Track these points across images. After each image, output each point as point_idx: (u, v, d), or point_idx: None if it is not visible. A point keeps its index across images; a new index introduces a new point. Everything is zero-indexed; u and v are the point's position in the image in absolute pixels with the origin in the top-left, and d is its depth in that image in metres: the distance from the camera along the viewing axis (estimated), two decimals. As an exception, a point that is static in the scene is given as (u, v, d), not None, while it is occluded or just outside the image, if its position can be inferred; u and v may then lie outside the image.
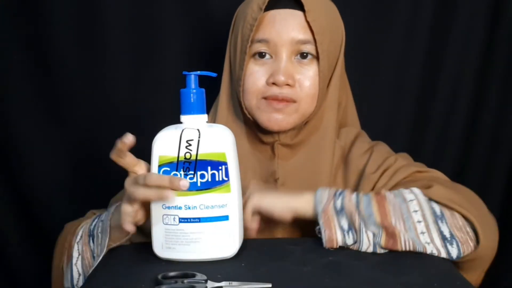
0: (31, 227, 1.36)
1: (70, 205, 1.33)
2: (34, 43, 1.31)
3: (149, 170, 0.83)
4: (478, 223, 0.86)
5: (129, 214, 0.82)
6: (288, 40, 0.95)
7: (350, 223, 0.86)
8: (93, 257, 0.91)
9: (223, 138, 0.83)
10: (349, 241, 0.86)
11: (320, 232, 0.87)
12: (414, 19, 1.31)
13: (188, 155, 0.80)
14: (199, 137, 0.81)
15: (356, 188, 0.98)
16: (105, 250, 0.85)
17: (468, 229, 0.86)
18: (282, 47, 0.95)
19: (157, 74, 1.33)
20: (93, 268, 0.83)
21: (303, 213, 0.90)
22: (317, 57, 0.96)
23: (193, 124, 0.82)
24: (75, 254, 0.93)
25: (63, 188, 1.36)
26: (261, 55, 0.97)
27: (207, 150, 0.81)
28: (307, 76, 0.96)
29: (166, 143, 0.81)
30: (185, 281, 0.74)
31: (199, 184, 0.81)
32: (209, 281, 0.74)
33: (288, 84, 0.95)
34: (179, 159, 0.81)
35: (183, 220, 0.82)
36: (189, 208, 0.81)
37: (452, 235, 0.85)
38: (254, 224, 0.90)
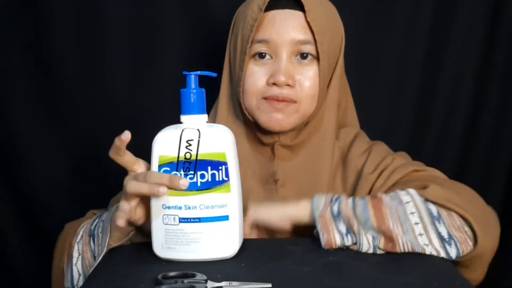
0: (31, 227, 1.36)
1: (70, 205, 1.33)
2: (34, 43, 1.31)
3: (148, 169, 0.83)
4: (476, 222, 0.85)
5: (124, 211, 0.82)
6: (288, 41, 0.95)
7: (348, 227, 0.86)
8: (94, 257, 0.91)
9: (223, 138, 0.83)
10: (348, 243, 0.86)
11: (318, 235, 0.87)
12: (414, 19, 1.31)
13: (188, 155, 0.80)
14: (199, 137, 0.81)
15: (354, 189, 0.99)
16: (105, 250, 0.85)
17: (466, 228, 0.86)
18: (282, 48, 0.95)
19: (157, 74, 1.33)
20: (93, 268, 0.83)
21: (300, 220, 0.91)
22: (317, 58, 0.96)
23: (193, 124, 0.82)
24: (75, 254, 0.93)
25: (63, 188, 1.36)
26: (261, 55, 0.97)
27: (207, 150, 0.81)
28: (307, 77, 0.96)
29: (166, 143, 0.81)
30: (185, 281, 0.74)
31: (199, 184, 0.81)
32: (209, 281, 0.74)
33: (288, 85, 0.95)
34: (179, 159, 0.81)
35: (183, 220, 0.82)
36: (189, 208, 0.81)
37: (450, 236, 0.85)
38: (253, 237, 0.91)
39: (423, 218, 0.85)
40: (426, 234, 0.85)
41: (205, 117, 0.84)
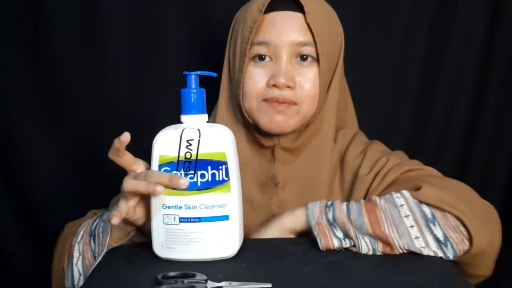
0: (31, 227, 1.36)
1: (70, 205, 1.33)
2: (34, 43, 1.31)
3: (148, 169, 0.83)
4: (470, 221, 0.85)
5: (120, 209, 0.82)
6: (288, 42, 0.95)
7: (344, 232, 0.86)
8: (94, 257, 0.91)
9: (223, 138, 0.83)
10: (346, 245, 0.86)
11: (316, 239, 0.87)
12: (414, 19, 1.31)
13: (188, 155, 0.80)
14: (199, 137, 0.81)
15: (351, 191, 0.98)
16: (105, 250, 0.85)
17: (462, 228, 0.85)
18: (282, 49, 0.95)
19: (157, 74, 1.33)
20: (93, 268, 0.83)
21: (299, 229, 0.92)
22: (317, 59, 0.96)
23: (194, 124, 0.82)
24: (75, 254, 0.93)
25: (63, 188, 1.36)
26: (261, 57, 0.96)
27: (207, 150, 0.81)
28: (308, 78, 0.96)
29: (167, 143, 0.81)
30: (185, 281, 0.74)
31: (199, 184, 0.81)
32: (209, 281, 0.74)
33: (288, 86, 0.94)
34: (180, 158, 0.81)
35: (183, 220, 0.82)
36: (189, 208, 0.81)
37: (446, 237, 0.84)
38: None
39: (418, 221, 0.85)
40: (422, 236, 0.85)
41: (205, 117, 0.84)
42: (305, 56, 0.96)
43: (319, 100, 0.97)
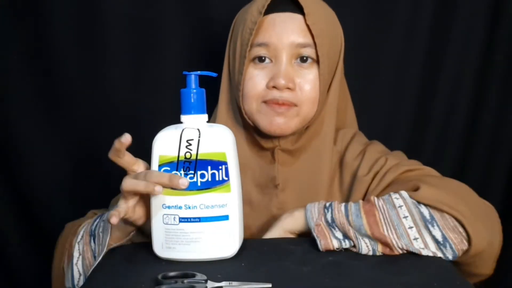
0: (31, 227, 1.36)
1: (70, 205, 1.33)
2: (34, 43, 1.31)
3: (147, 169, 0.83)
4: (468, 222, 0.85)
5: (119, 209, 0.82)
6: (288, 44, 0.95)
7: (344, 233, 0.86)
8: (94, 257, 0.91)
9: (223, 138, 0.83)
10: (346, 246, 0.86)
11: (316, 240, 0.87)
12: (414, 19, 1.31)
13: (188, 155, 0.81)
14: (199, 137, 0.81)
15: (350, 191, 0.98)
16: (105, 250, 0.85)
17: (461, 229, 0.85)
18: (282, 51, 0.95)
19: (157, 74, 1.33)
20: (93, 268, 0.83)
21: (298, 231, 0.92)
22: (317, 61, 0.96)
23: (193, 124, 0.82)
24: (75, 254, 0.93)
25: (63, 188, 1.36)
26: (261, 59, 0.96)
27: (207, 149, 0.81)
28: (308, 80, 0.96)
29: (166, 143, 0.81)
30: (185, 281, 0.74)
31: (199, 184, 0.81)
32: (209, 281, 0.74)
33: (288, 88, 0.94)
34: (179, 158, 0.81)
35: (183, 219, 0.82)
36: (189, 207, 0.81)
37: (445, 238, 0.84)
38: None
39: (417, 222, 0.85)
40: (421, 238, 0.85)
41: (205, 117, 0.84)
42: (305, 58, 0.96)
43: (319, 101, 0.97)
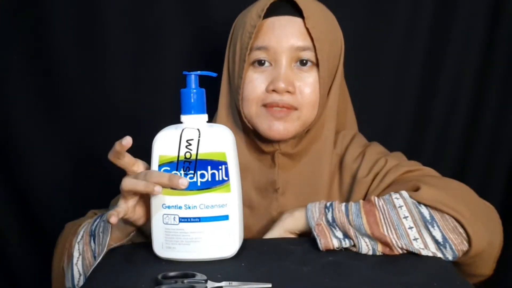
0: (31, 227, 1.36)
1: (70, 205, 1.33)
2: (34, 43, 1.31)
3: (147, 169, 0.83)
4: (468, 223, 0.85)
5: (118, 209, 0.82)
6: (287, 47, 0.94)
7: (344, 233, 0.86)
8: (94, 257, 0.91)
9: (223, 138, 0.83)
10: (346, 245, 0.86)
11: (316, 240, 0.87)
12: (414, 19, 1.31)
13: (188, 155, 0.80)
14: (199, 137, 0.81)
15: (350, 193, 0.98)
16: (105, 250, 0.85)
17: (461, 229, 0.85)
18: (281, 54, 0.95)
19: (157, 74, 1.33)
20: (93, 268, 0.83)
21: (299, 231, 0.92)
22: (316, 64, 0.96)
23: (193, 123, 0.82)
24: (75, 254, 0.93)
25: (63, 188, 1.36)
26: (260, 63, 0.96)
27: (207, 149, 0.81)
28: (307, 83, 0.95)
29: (166, 143, 0.81)
30: (185, 281, 0.74)
31: (199, 184, 0.81)
32: (209, 281, 0.74)
33: (288, 91, 0.94)
34: (179, 158, 0.81)
35: (183, 219, 0.82)
36: (189, 207, 0.81)
37: (445, 239, 0.84)
38: None
39: (417, 222, 0.85)
40: (421, 238, 0.85)
41: (205, 117, 0.84)
42: (304, 61, 0.95)
43: (319, 105, 0.97)
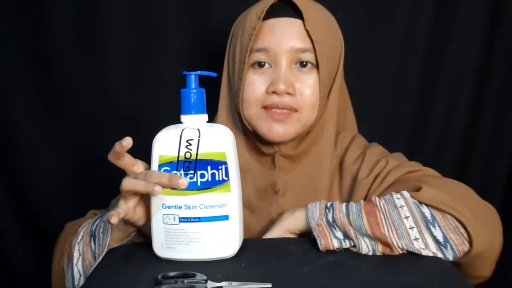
0: (31, 227, 1.36)
1: (70, 205, 1.33)
2: (34, 43, 1.31)
3: (147, 169, 0.83)
4: (469, 223, 0.85)
5: (119, 209, 0.81)
6: (287, 49, 0.94)
7: (344, 233, 0.86)
8: (94, 257, 0.91)
9: (223, 138, 0.83)
10: (347, 246, 0.86)
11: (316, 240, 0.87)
12: (414, 19, 1.31)
13: (188, 155, 0.80)
14: (199, 137, 0.81)
15: (350, 195, 0.98)
16: (105, 251, 0.85)
17: (462, 230, 0.85)
18: (281, 56, 0.94)
19: (157, 74, 1.33)
20: (93, 268, 0.83)
21: (299, 230, 0.92)
22: (316, 66, 0.95)
23: (193, 123, 0.82)
24: (75, 254, 0.93)
25: (63, 188, 1.36)
26: (260, 64, 0.96)
27: (207, 149, 0.81)
28: (307, 85, 0.95)
29: (166, 143, 0.81)
30: (185, 281, 0.74)
31: (199, 184, 0.81)
32: (209, 281, 0.74)
33: (288, 93, 0.94)
34: (179, 158, 0.81)
35: (183, 219, 0.82)
36: (189, 207, 0.81)
37: (446, 239, 0.84)
38: None
39: (418, 222, 0.85)
40: (422, 238, 0.85)
41: (205, 117, 0.84)
42: (304, 63, 0.95)
43: (320, 107, 0.97)
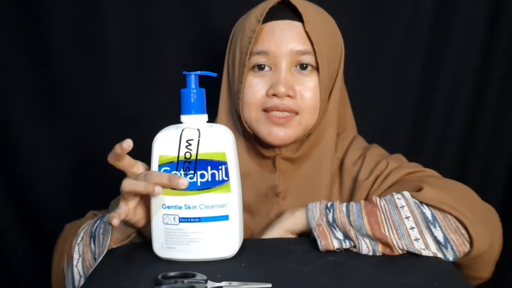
0: (31, 227, 1.36)
1: (70, 205, 1.33)
2: (34, 44, 1.31)
3: (147, 170, 0.83)
4: (470, 224, 0.85)
5: (120, 211, 0.81)
6: (287, 51, 0.94)
7: (345, 233, 0.86)
8: (94, 258, 0.91)
9: (223, 138, 0.83)
10: (347, 246, 0.86)
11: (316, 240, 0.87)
12: (414, 19, 1.31)
13: (188, 155, 0.80)
14: (199, 137, 0.81)
15: (351, 196, 0.98)
16: (105, 252, 0.85)
17: (463, 230, 0.85)
18: (281, 58, 0.94)
19: (157, 74, 1.33)
20: (93, 268, 0.83)
21: (299, 230, 0.92)
22: (317, 68, 0.95)
23: (193, 124, 0.82)
24: (75, 255, 0.93)
25: (63, 188, 1.36)
26: (260, 67, 0.95)
27: (207, 149, 0.81)
28: (308, 87, 0.95)
29: (166, 143, 0.81)
30: (185, 281, 0.74)
31: (199, 184, 0.81)
32: (209, 281, 0.74)
33: (289, 96, 0.93)
34: (179, 158, 0.81)
35: (183, 219, 0.82)
36: (189, 208, 0.81)
37: (446, 239, 0.84)
38: None
39: (418, 223, 0.85)
40: (422, 238, 0.84)
41: (205, 117, 0.84)
42: (304, 65, 0.95)
43: (320, 109, 0.96)
